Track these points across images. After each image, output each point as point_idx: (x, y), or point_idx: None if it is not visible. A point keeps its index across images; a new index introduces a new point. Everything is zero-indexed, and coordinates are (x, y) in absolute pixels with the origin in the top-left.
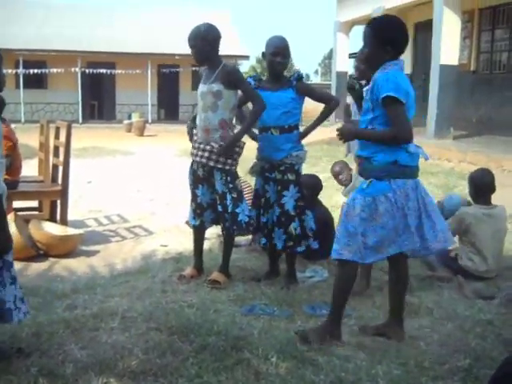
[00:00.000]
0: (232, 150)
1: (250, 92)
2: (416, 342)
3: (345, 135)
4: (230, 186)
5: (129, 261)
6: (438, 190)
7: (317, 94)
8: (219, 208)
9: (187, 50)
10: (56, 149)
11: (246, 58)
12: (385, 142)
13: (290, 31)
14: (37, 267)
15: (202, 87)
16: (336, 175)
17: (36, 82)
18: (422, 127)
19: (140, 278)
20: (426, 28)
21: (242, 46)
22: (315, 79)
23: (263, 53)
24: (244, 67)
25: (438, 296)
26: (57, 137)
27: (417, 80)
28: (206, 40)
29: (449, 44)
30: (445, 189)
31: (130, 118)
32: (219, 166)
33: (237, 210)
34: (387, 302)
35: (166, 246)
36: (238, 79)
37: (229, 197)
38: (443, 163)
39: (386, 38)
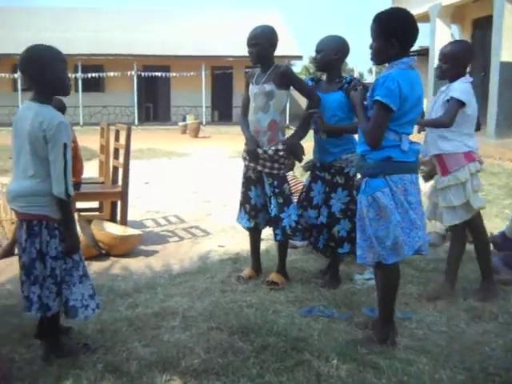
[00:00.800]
0: (297, 150)
1: (305, 89)
2: (480, 348)
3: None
4: (277, 190)
5: (187, 261)
6: (499, 191)
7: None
8: (269, 210)
9: (240, 52)
10: (116, 151)
11: (299, 58)
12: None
13: (343, 28)
14: (99, 266)
15: (253, 88)
16: None
17: (94, 86)
18: (482, 126)
19: (199, 278)
20: (484, 24)
21: (295, 46)
22: (369, 78)
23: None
24: (297, 68)
25: (504, 300)
26: (117, 139)
27: (475, 78)
28: (269, 40)
29: (510, 40)
30: (507, 189)
31: (184, 119)
32: (266, 170)
33: (282, 215)
34: (449, 306)
35: (223, 246)
36: (292, 78)
37: (273, 201)
38: (505, 163)
39: (390, 29)
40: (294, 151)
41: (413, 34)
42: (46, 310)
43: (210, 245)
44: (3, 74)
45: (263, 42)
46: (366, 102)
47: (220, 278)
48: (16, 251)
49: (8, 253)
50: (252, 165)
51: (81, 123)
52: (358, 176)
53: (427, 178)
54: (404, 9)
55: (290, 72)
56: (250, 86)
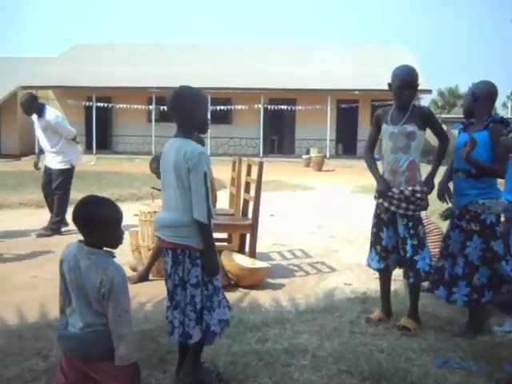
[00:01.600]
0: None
1: (441, 132)
2: None
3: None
4: (412, 231)
5: (313, 297)
6: None
7: None
8: (401, 252)
9: (366, 85)
10: (247, 184)
11: (429, 92)
12: None
13: (473, 60)
14: (228, 296)
15: (389, 128)
16: None
17: (221, 118)
18: None
19: (327, 316)
20: None
21: (424, 79)
22: (503, 112)
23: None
24: (425, 101)
25: None
26: (248, 174)
27: None
28: (417, 81)
29: None
30: None
31: (308, 152)
32: (401, 211)
33: (416, 258)
34: None
35: (349, 284)
36: (435, 121)
37: (409, 242)
38: None
39: None
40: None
41: None
42: (187, 338)
43: (336, 282)
44: (139, 106)
45: (416, 84)
46: None
47: (349, 318)
48: (150, 277)
49: (143, 278)
50: (385, 205)
51: (208, 153)
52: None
53: None
54: None
55: (431, 114)
56: (384, 126)
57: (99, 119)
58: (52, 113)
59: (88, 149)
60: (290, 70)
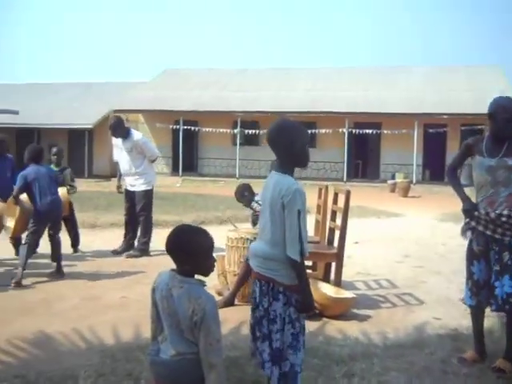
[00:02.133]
0: None
1: None
2: None
3: None
4: (496, 256)
5: (401, 331)
6: None
7: None
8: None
9: (456, 109)
10: (333, 212)
11: None
12: None
13: None
14: (312, 326)
15: (487, 161)
16: None
17: None
18: None
19: (416, 352)
20: None
21: None
22: None
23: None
24: None
25: None
26: (335, 201)
27: None
28: None
29: None
30: None
31: (393, 178)
32: (497, 236)
33: (495, 283)
34: None
35: (439, 319)
36: None
37: (494, 268)
38: None
39: None
40: None
41: None
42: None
43: (424, 315)
44: (224, 130)
45: None
46: None
47: (440, 357)
48: (236, 302)
49: (229, 303)
50: (480, 229)
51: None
52: None
53: None
54: None
55: None
56: (479, 158)
57: (186, 142)
58: (138, 134)
59: (174, 171)
60: (375, 93)
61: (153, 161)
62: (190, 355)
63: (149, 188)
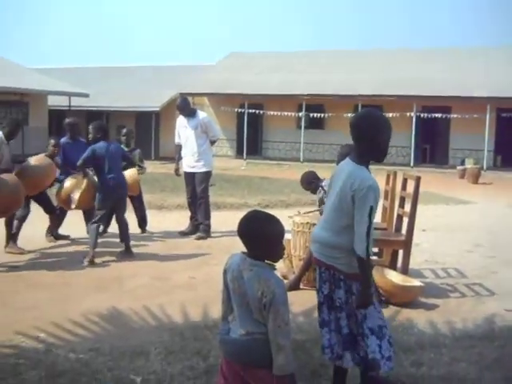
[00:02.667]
0: None
1: None
2: None
3: None
4: None
5: (470, 321)
6: None
7: None
8: None
9: None
10: (402, 199)
11: None
12: None
13: None
14: None
15: None
16: None
17: None
18: None
19: (486, 344)
20: None
21: None
22: None
23: None
24: None
25: None
26: (404, 187)
27: None
28: None
29: None
30: None
31: (463, 163)
32: None
33: None
34: None
35: (510, 311)
36: None
37: None
38: None
39: None
40: None
41: None
42: (337, 359)
43: (495, 307)
44: (289, 113)
45: None
46: None
47: (511, 350)
48: (301, 286)
49: (294, 287)
50: None
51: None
52: None
53: None
54: None
55: None
56: None
57: (250, 125)
58: (204, 113)
59: (239, 154)
60: (445, 76)
61: (213, 142)
62: (258, 335)
63: (209, 170)
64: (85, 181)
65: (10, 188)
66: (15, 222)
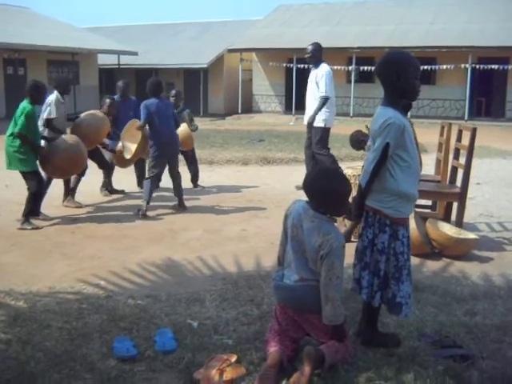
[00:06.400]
0: None
1: None
2: None
3: None
4: None
5: None
6: None
7: None
8: None
9: None
10: (456, 151)
11: None
12: None
13: None
14: (432, 265)
15: None
16: None
17: (424, 79)
18: None
19: None
20: None
21: None
22: None
23: None
24: None
25: None
26: (459, 139)
27: None
28: None
29: None
30: None
31: None
32: None
33: None
34: None
35: None
36: None
37: None
38: None
39: None
40: None
41: None
42: (370, 299)
43: None
44: (339, 67)
45: None
46: None
47: None
48: (352, 239)
49: (346, 239)
50: None
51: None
52: None
53: None
54: None
55: None
56: None
57: (299, 80)
58: (325, 67)
59: (287, 109)
60: (502, 25)
61: (323, 102)
62: (312, 282)
63: (320, 125)
64: (140, 133)
65: (73, 149)
66: (73, 178)
